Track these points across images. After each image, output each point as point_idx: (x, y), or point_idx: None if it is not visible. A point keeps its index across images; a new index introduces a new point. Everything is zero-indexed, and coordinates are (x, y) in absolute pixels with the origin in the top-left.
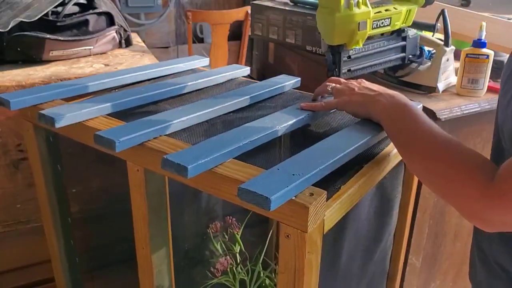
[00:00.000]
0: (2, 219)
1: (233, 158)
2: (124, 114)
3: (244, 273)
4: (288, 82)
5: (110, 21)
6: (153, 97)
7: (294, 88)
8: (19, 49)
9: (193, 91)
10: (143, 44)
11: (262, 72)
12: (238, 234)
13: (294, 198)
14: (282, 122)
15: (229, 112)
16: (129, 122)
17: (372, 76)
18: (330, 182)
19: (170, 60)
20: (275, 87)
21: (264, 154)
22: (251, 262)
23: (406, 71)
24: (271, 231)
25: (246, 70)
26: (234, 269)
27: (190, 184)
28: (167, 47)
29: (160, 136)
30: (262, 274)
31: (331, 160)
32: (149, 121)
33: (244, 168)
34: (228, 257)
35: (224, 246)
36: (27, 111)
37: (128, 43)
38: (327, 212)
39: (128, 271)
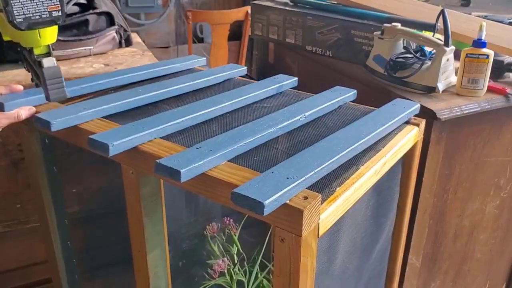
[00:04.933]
0: (2, 219)
1: (228, 161)
2: (120, 116)
3: (241, 274)
4: (285, 82)
5: (110, 21)
6: (149, 99)
7: (292, 88)
8: (19, 49)
9: (189, 92)
10: (143, 44)
11: (262, 72)
12: (235, 235)
13: (288, 202)
14: (278, 123)
15: (226, 113)
16: (123, 125)
17: (372, 76)
18: (326, 184)
19: (167, 60)
20: (271, 87)
21: (260, 155)
22: (249, 263)
23: (407, 72)
24: (270, 231)
25: (243, 70)
26: (232, 270)
27: (184, 187)
28: (167, 47)
29: (155, 138)
30: (259, 275)
31: (326, 163)
32: (144, 123)
33: (239, 171)
34: (225, 258)
35: (221, 247)
36: None
37: (128, 43)
38: (322, 215)
39: (127, 272)
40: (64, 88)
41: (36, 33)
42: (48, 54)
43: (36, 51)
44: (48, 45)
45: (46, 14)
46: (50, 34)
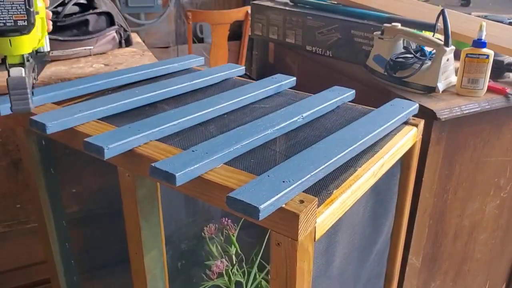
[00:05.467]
0: (2, 219)
1: (224, 163)
2: (117, 118)
3: (240, 275)
4: (283, 81)
5: (110, 21)
6: (146, 100)
7: (290, 88)
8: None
9: (187, 92)
10: (143, 44)
11: (262, 72)
12: (234, 236)
13: (284, 206)
14: (275, 125)
15: (223, 114)
16: (119, 127)
17: (372, 76)
18: (323, 186)
19: (164, 60)
20: (270, 88)
21: (257, 157)
22: (248, 263)
23: (407, 72)
24: (268, 232)
25: (241, 70)
26: (230, 271)
27: (180, 190)
28: (167, 47)
29: (151, 141)
30: (258, 276)
31: (323, 165)
32: (140, 125)
33: (235, 174)
34: (223, 259)
35: (220, 248)
36: (18, 115)
37: (128, 43)
38: (319, 219)
39: (125, 272)
40: (29, 101)
41: (7, 41)
42: (20, 65)
43: (9, 60)
44: (22, 55)
45: (11, 22)
46: (22, 45)
